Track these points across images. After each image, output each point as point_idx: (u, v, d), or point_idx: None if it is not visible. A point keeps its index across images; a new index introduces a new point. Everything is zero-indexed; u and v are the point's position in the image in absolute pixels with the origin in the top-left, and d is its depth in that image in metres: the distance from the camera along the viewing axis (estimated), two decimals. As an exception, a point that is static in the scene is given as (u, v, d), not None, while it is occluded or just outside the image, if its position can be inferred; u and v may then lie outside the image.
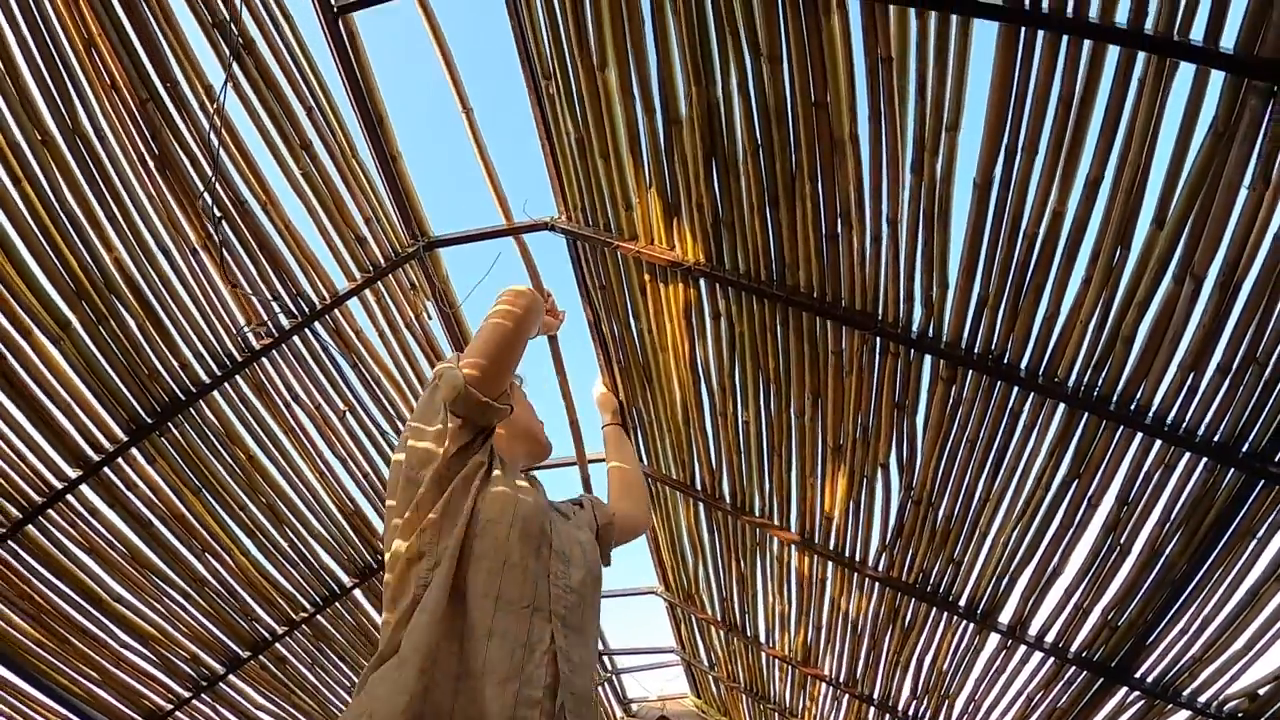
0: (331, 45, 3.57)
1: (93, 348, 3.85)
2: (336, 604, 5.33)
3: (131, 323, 3.85)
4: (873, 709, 5.77)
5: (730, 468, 4.69)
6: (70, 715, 4.98)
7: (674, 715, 7.83)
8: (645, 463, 5.08)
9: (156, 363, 4.00)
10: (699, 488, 4.97)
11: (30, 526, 4.24)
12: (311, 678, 5.71)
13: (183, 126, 3.55)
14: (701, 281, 3.83)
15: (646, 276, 3.97)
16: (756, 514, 4.88)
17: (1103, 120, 2.72)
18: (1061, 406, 3.52)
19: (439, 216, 4.19)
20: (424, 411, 2.32)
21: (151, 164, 3.59)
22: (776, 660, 6.05)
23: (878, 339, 3.64)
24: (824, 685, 5.95)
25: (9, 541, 4.24)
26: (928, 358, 3.62)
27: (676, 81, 3.26)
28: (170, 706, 5.28)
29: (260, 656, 5.35)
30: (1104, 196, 2.88)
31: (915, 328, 3.52)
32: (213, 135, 3.56)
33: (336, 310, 4.25)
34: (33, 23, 3.18)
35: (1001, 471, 3.85)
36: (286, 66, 3.59)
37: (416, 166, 3.98)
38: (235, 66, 3.50)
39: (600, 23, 3.23)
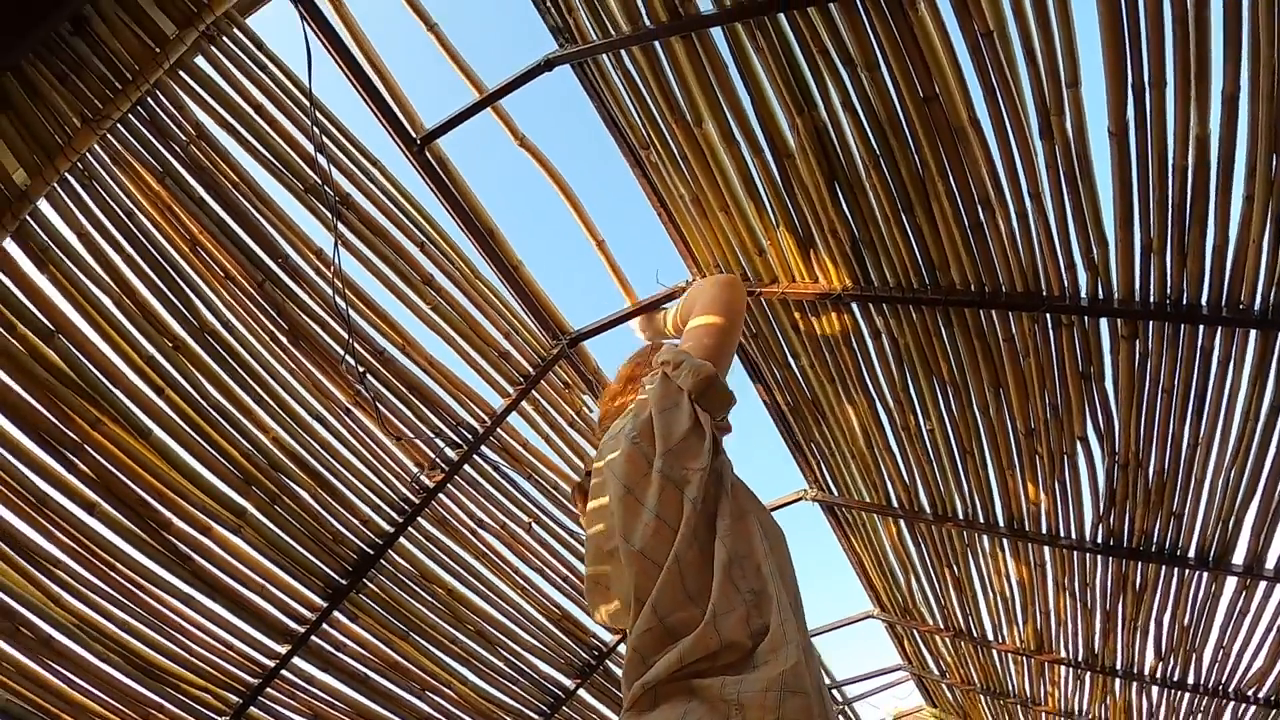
0: (425, 176, 3.57)
1: (273, 527, 3.87)
2: (564, 708, 5.29)
3: (304, 494, 3.87)
4: (1118, 680, 5.56)
5: (924, 478, 4.54)
6: None
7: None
8: (836, 492, 4.99)
9: (338, 525, 4.02)
10: (895, 505, 4.84)
11: (252, 708, 4.23)
12: (553, 786, 5.64)
13: (305, 296, 3.58)
14: (854, 305, 3.72)
15: (796, 314, 3.88)
16: (960, 517, 4.72)
17: (1224, 30, 2.55)
18: (1253, 333, 3.30)
19: (574, 308, 4.16)
20: (665, 405, 2.10)
21: (284, 339, 3.61)
22: (1009, 654, 5.87)
23: (1048, 315, 3.47)
24: (1063, 668, 5.75)
25: (234, 727, 4.22)
26: (1103, 320, 3.43)
27: (777, 116, 3.18)
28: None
29: (500, 777, 5.29)
30: (1245, 108, 2.68)
31: (1084, 294, 3.34)
32: (337, 298, 3.57)
33: (498, 429, 4.25)
34: (133, 238, 3.25)
35: (1205, 413, 3.64)
36: (388, 210, 3.61)
37: (540, 266, 3.95)
38: (339, 225, 3.50)
39: (684, 80, 3.18)
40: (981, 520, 4.68)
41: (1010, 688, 6.42)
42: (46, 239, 3.10)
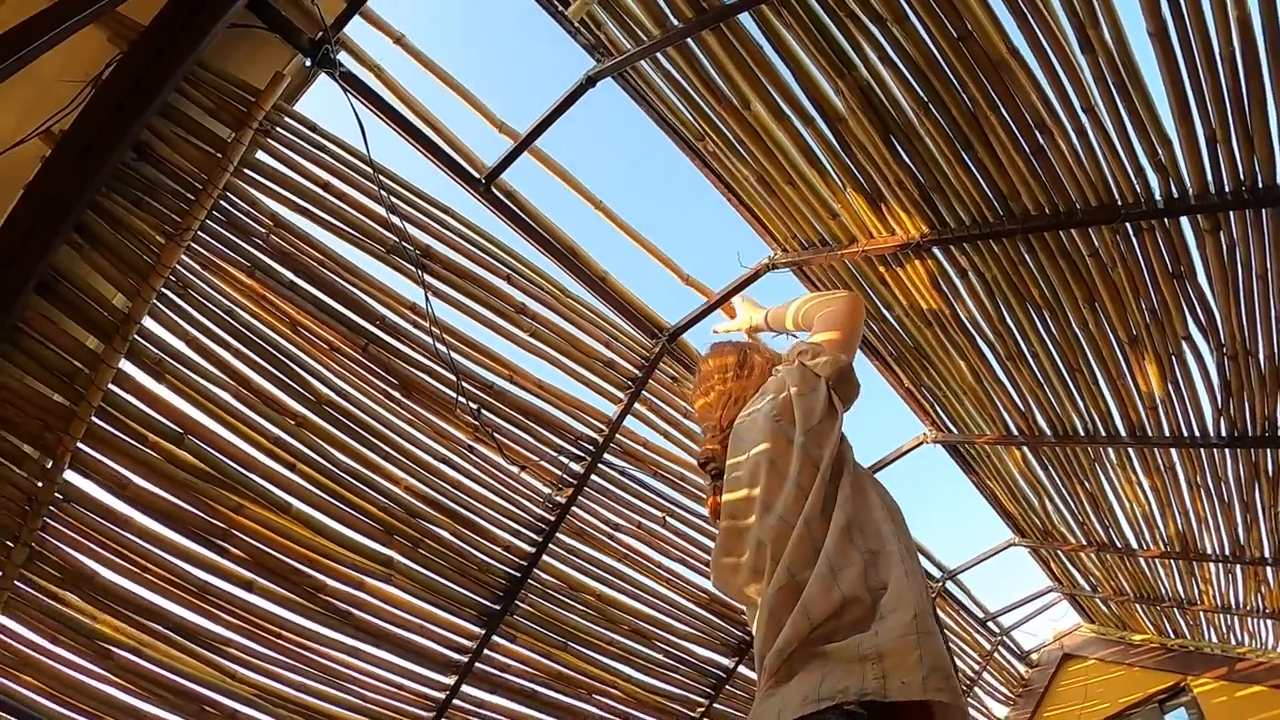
0: (497, 212, 3.71)
1: (421, 569, 4.03)
2: (727, 687, 5.37)
3: (445, 534, 4.03)
4: (1269, 568, 5.50)
5: (1038, 402, 4.54)
6: None
7: (1072, 647, 7.67)
8: (955, 431, 5.03)
9: (481, 556, 4.17)
10: (1016, 433, 4.83)
11: (433, 740, 4.37)
12: (731, 762, 5.71)
13: (408, 350, 3.75)
14: (935, 250, 3.76)
15: (881, 269, 3.94)
16: (1081, 434, 4.70)
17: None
18: (1334, 203, 3.26)
19: (667, 302, 4.26)
20: (804, 389, 2.29)
21: (397, 394, 3.77)
22: (1156, 559, 5.83)
23: (1126, 225, 3.45)
24: (1211, 565, 5.70)
25: (418, 760, 4.38)
26: (1184, 219, 3.39)
27: (820, 84, 3.24)
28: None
29: (676, 763, 5.40)
30: (1279, -20, 2.67)
31: (1158, 196, 3.32)
32: (437, 345, 3.72)
33: (617, 435, 4.37)
34: (237, 332, 3.44)
35: (1305, 290, 3.60)
36: (469, 252, 3.77)
37: (625, 269, 4.05)
38: (426, 276, 3.64)
39: (724, 69, 3.25)
40: (1103, 433, 4.65)
41: (1163, 592, 6.38)
42: (158, 352, 3.29)
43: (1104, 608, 7.24)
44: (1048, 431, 4.77)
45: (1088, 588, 6.86)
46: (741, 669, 5.33)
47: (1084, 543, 5.93)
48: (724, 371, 2.77)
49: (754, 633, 2.12)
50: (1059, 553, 6.30)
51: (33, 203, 2.78)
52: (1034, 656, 8.01)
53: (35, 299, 2.99)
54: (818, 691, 1.73)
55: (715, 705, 5.35)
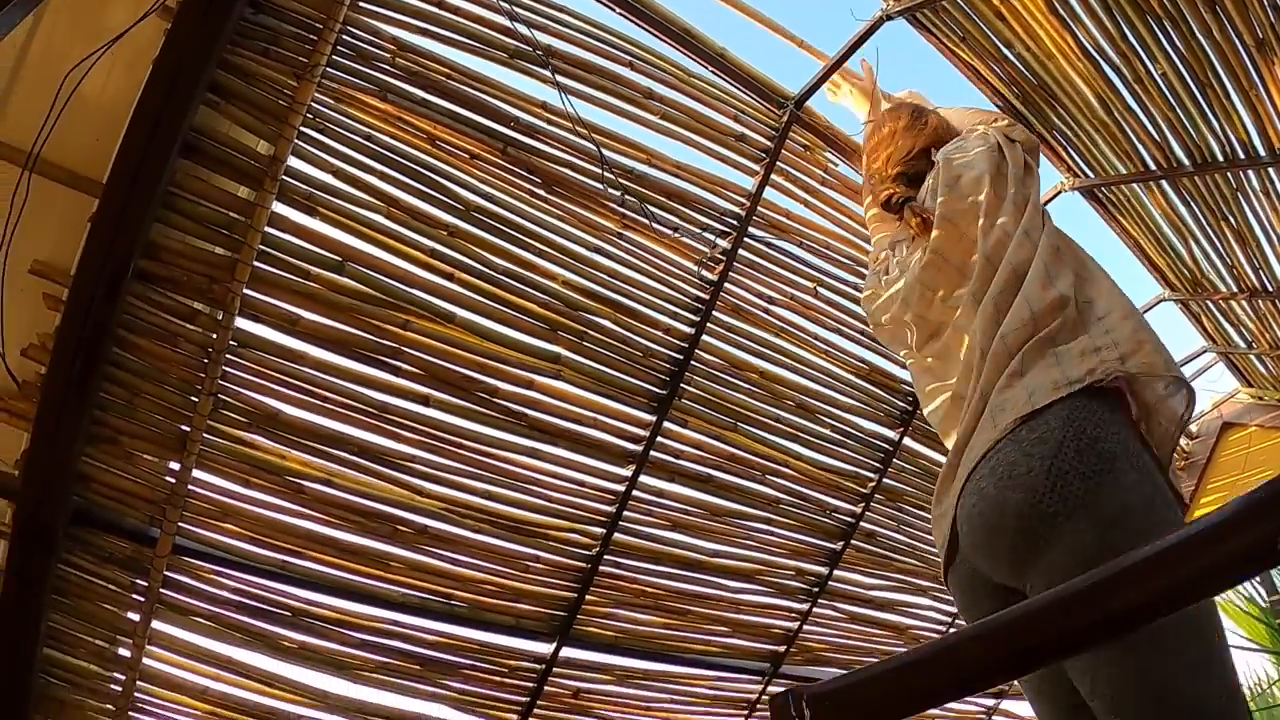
0: (609, 4, 3.83)
1: (588, 362, 4.21)
2: (894, 460, 5.45)
3: (606, 323, 4.19)
4: None
5: (1173, 128, 4.31)
6: (708, 673, 5.32)
7: (1230, 415, 7.44)
8: (1091, 175, 4.89)
9: (644, 341, 4.32)
10: (1153, 168, 4.63)
11: (616, 535, 4.58)
12: (902, 539, 5.81)
13: (545, 148, 3.88)
14: (1049, -33, 3.64)
15: (996, 1, 3.85)
16: (1220, 160, 4.44)
17: None
18: None
19: (788, 76, 4.29)
20: (1010, 141, 2.61)
21: (541, 192, 3.91)
22: (1310, 302, 5.56)
23: None
24: (1375, 288, 5.44)
25: (605, 556, 4.59)
26: None
27: None
28: (796, 624, 5.53)
29: (852, 542, 5.50)
30: None
31: None
32: (584, 142, 3.89)
33: (759, 208, 4.43)
34: (379, 155, 3.62)
35: None
36: (589, 45, 3.87)
37: (742, 43, 4.08)
38: (555, 76, 3.76)
39: None
40: (1242, 156, 4.38)
41: (1323, 340, 6.14)
42: (307, 188, 3.50)
43: (1260, 366, 6.97)
44: (1185, 161, 4.54)
45: (1243, 344, 6.58)
46: (907, 441, 5.43)
47: (1234, 290, 5.70)
48: (895, 123, 2.96)
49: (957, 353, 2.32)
50: (1209, 304, 6.10)
51: (163, 73, 2.97)
52: (1193, 428, 7.82)
53: (182, 162, 3.20)
54: (1066, 376, 1.88)
55: (884, 480, 5.45)
